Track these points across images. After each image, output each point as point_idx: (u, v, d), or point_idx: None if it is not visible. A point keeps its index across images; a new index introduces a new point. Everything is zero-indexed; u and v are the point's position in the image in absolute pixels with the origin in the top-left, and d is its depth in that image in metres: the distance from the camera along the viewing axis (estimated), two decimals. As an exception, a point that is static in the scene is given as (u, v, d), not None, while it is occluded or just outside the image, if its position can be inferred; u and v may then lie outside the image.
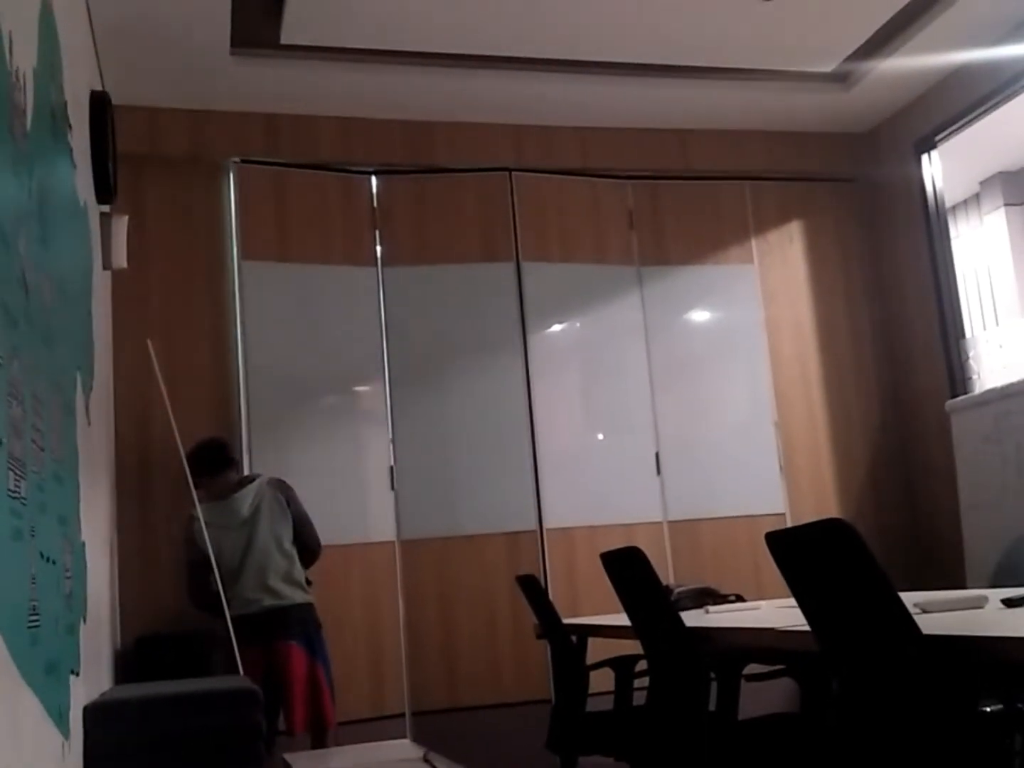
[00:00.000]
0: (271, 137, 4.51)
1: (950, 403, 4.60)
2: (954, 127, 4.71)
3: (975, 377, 4.64)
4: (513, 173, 4.81)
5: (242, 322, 4.37)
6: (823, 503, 4.92)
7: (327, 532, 3.93)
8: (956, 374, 4.72)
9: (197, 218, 4.43)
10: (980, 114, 4.60)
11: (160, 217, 4.37)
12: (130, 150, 4.31)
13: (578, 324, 4.86)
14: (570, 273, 4.83)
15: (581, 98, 4.57)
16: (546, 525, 4.58)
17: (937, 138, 4.79)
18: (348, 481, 4.41)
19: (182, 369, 4.25)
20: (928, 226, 4.85)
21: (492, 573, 4.47)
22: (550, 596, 4.24)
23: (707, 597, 3.47)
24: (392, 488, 4.44)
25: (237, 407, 4.32)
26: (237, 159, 4.48)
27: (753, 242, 5.08)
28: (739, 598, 3.54)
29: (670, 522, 4.73)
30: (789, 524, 4.74)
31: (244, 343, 4.36)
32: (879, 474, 5.02)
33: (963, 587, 4.32)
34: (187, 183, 4.44)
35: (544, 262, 4.81)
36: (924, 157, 4.87)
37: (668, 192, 5.01)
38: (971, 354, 4.64)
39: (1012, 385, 4.26)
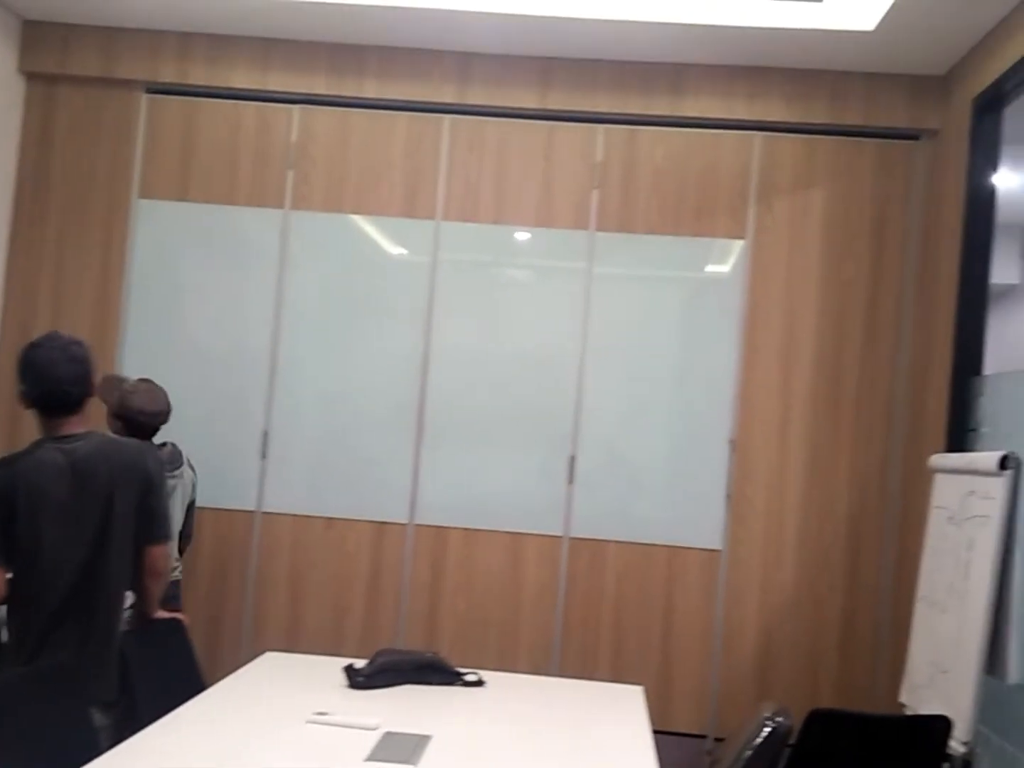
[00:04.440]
0: (183, 61, 4.16)
1: (935, 459, 3.47)
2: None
3: (981, 429, 3.44)
4: (451, 116, 4.14)
5: (133, 260, 4.17)
6: (774, 548, 3.98)
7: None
8: (959, 420, 3.54)
9: (104, 146, 4.20)
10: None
11: (68, 139, 4.21)
12: (43, 67, 4.20)
13: (500, 297, 4.15)
14: (501, 238, 4.12)
15: (542, 25, 3.77)
16: (417, 520, 4.07)
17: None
18: (220, 444, 4.14)
19: (69, 298, 4.18)
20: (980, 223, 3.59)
21: (350, 561, 4.07)
22: (407, 598, 3.83)
23: (428, 673, 2.87)
24: (263, 456, 4.12)
25: (115, 348, 4.15)
26: (146, 88, 4.19)
27: (751, 212, 4.05)
28: (478, 682, 2.89)
29: (572, 538, 4.04)
30: (724, 564, 3.95)
31: (130, 283, 4.16)
32: (863, 527, 3.96)
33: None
34: (97, 106, 4.22)
35: (471, 222, 4.13)
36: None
37: (650, 142, 4.09)
38: (983, 395, 3.43)
39: (980, 457, 3.10)
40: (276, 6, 3.81)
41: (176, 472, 3.58)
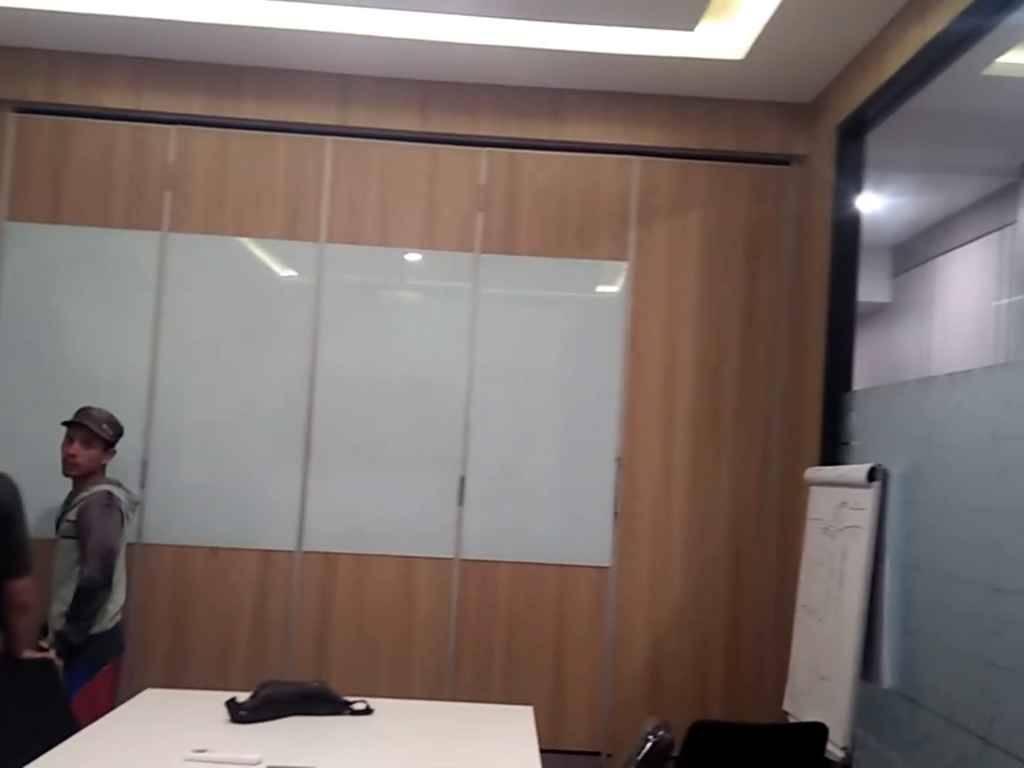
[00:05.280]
0: (54, 80, 4.03)
1: (809, 472, 3.59)
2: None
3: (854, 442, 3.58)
4: (332, 138, 4.12)
5: (3, 286, 4.01)
6: (661, 563, 4.05)
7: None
8: (832, 434, 3.67)
9: (-31, 166, 4.06)
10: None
11: (-70, 162, 4.05)
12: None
13: (387, 318, 4.14)
14: (386, 259, 4.11)
15: (423, 49, 3.77)
16: (305, 547, 4.01)
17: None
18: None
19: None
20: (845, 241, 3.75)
21: (235, 591, 3.97)
22: (295, 627, 3.74)
23: (314, 704, 2.82)
24: (141, 485, 4.00)
25: (-16, 378, 3.99)
26: (15, 107, 4.04)
27: (632, 234, 4.13)
28: (366, 710, 2.85)
29: (463, 560, 4.03)
30: (613, 581, 3.99)
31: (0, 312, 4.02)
32: (744, 539, 4.07)
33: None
34: (-39, 126, 4.07)
35: (356, 244, 4.11)
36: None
37: (531, 165, 4.14)
38: (854, 410, 3.57)
39: (851, 469, 3.22)
40: (151, 26, 3.73)
41: None
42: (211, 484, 4.01)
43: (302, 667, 3.97)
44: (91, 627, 3.36)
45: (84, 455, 3.52)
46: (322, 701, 2.83)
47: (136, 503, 3.68)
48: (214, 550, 3.98)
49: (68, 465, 3.52)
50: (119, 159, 4.09)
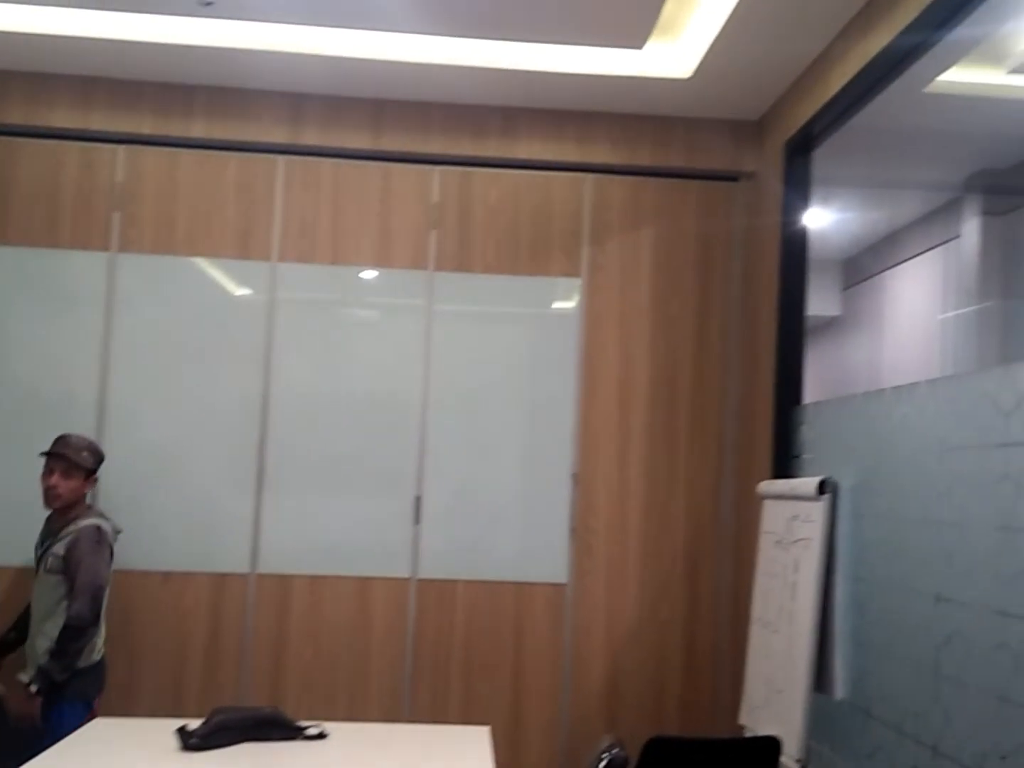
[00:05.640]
0: (0, 100, 3.99)
1: (762, 485, 3.62)
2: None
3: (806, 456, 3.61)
4: (284, 157, 4.10)
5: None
6: (617, 579, 4.05)
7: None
8: (783, 447, 3.71)
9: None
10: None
11: None
12: None
13: (341, 337, 4.12)
14: (341, 277, 4.09)
15: (374, 68, 3.77)
16: (259, 570, 3.96)
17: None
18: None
19: None
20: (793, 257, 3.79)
21: (188, 615, 3.92)
22: (250, 651, 3.68)
23: (267, 729, 2.78)
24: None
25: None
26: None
27: (584, 251, 4.15)
28: (320, 735, 2.82)
29: (420, 580, 4.01)
30: (570, 598, 3.99)
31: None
32: (700, 553, 4.09)
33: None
34: (-97, 146, 4.00)
35: (309, 263, 4.09)
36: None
37: (484, 183, 4.15)
38: (804, 423, 3.61)
39: (801, 482, 3.25)
40: (99, 45, 3.70)
41: None
42: (163, 507, 3.95)
43: (257, 692, 3.92)
44: (75, 664, 3.30)
45: (65, 486, 3.43)
46: (275, 727, 2.80)
47: (119, 532, 3.60)
48: (166, 575, 3.92)
49: (49, 497, 3.44)
50: (66, 179, 4.04)
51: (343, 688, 3.96)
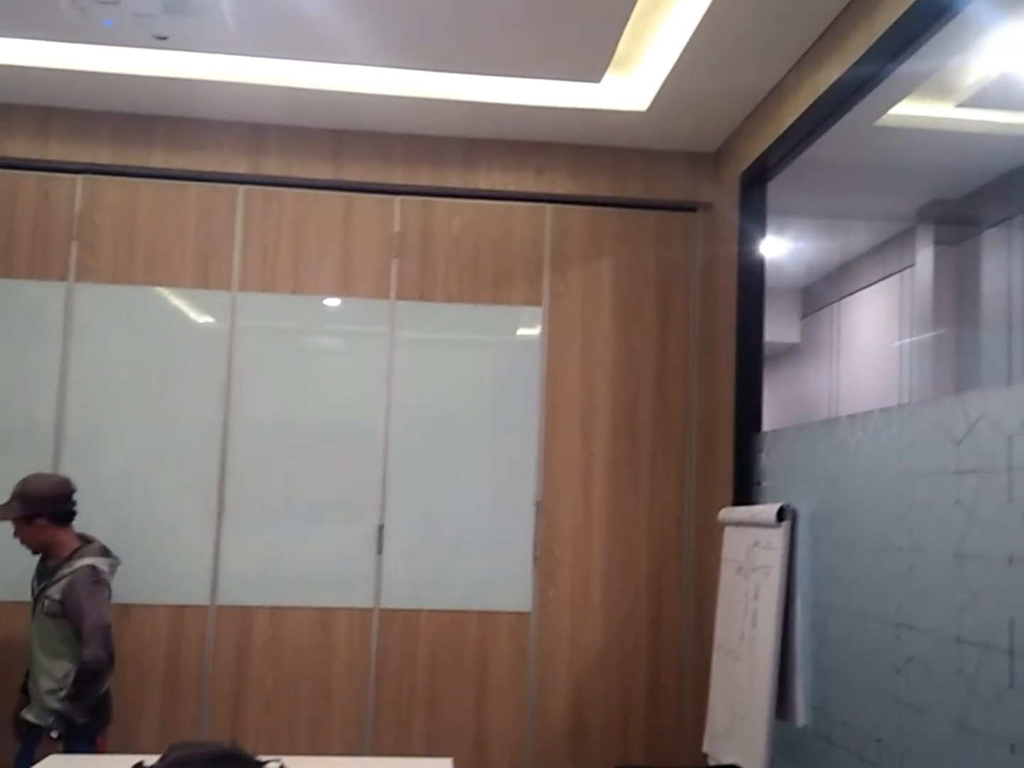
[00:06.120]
0: (-45, 127, 3.95)
1: (723, 512, 3.64)
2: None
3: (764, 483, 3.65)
4: (244, 186, 4.10)
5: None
6: (581, 607, 4.05)
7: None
8: (743, 474, 3.74)
9: None
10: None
11: None
12: None
13: (302, 366, 4.10)
14: (303, 306, 4.09)
15: (334, 99, 3.79)
16: (219, 601, 3.92)
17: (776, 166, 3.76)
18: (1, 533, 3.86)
19: None
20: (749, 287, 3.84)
21: (147, 649, 3.86)
22: (209, 684, 3.63)
23: (225, 765, 2.73)
24: (47, 542, 3.87)
25: None
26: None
27: (545, 279, 4.18)
28: None
29: (383, 610, 3.98)
30: (534, 626, 3.98)
31: None
32: (663, 580, 4.10)
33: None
34: None
35: (270, 292, 4.08)
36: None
37: (445, 212, 4.17)
38: (763, 450, 3.64)
39: (761, 509, 3.28)
40: (56, 75, 3.68)
41: None
42: (121, 538, 3.89)
43: (217, 726, 3.86)
44: (92, 705, 3.25)
45: (30, 534, 3.37)
46: (234, 762, 2.74)
47: (117, 564, 3.51)
48: (124, 607, 3.86)
49: (28, 548, 3.40)
50: (24, 209, 4.01)
51: (305, 721, 3.91)
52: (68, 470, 3.88)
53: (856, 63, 2.93)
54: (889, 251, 4.97)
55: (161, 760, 2.65)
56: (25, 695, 3.44)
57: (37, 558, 3.47)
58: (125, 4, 2.73)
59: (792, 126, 3.38)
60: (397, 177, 4.12)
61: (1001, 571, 2.10)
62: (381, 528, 4.01)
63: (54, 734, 3.17)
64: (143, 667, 3.85)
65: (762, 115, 3.67)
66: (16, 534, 3.37)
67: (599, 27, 3.22)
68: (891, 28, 2.71)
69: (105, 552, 3.47)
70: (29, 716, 3.30)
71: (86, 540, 3.47)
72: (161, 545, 3.91)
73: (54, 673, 3.29)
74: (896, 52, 2.79)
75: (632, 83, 3.73)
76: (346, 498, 4.01)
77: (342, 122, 4.03)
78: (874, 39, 2.81)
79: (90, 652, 3.21)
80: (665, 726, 4.05)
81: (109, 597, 3.39)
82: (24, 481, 3.41)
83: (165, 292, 4.03)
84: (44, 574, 3.42)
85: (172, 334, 4.02)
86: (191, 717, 3.86)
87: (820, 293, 5.95)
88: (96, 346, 3.99)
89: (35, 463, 3.86)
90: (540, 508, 4.08)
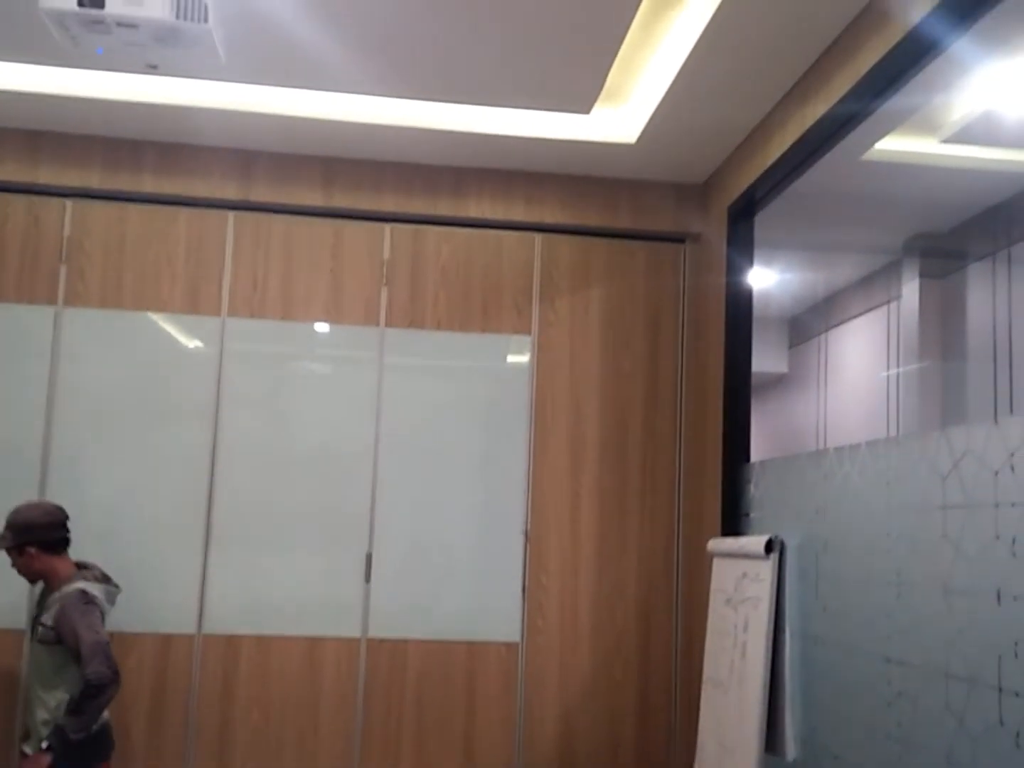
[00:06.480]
0: (-55, 152, 3.95)
1: (712, 543, 3.64)
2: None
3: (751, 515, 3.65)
4: (234, 212, 4.11)
5: None
6: (570, 637, 4.03)
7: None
8: (732, 505, 3.74)
9: None
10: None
11: None
12: None
13: (291, 393, 4.10)
14: (292, 332, 4.09)
15: (325, 127, 3.81)
16: (206, 630, 3.89)
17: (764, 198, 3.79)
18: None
19: None
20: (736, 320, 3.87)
21: (132, 678, 3.82)
22: (195, 714, 3.59)
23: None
24: (31, 569, 3.84)
25: None
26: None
27: (535, 308, 4.19)
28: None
29: (371, 639, 3.96)
30: (523, 656, 3.96)
31: None
32: (652, 610, 4.09)
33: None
34: None
35: (259, 318, 4.08)
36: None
37: (435, 240, 4.19)
38: (751, 481, 3.65)
39: (749, 541, 3.28)
40: (45, 100, 3.69)
41: None
42: (106, 565, 3.82)
43: (203, 756, 3.82)
44: (92, 725, 3.19)
45: (23, 564, 3.35)
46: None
47: (117, 592, 3.48)
48: (110, 635, 3.81)
49: (24, 577, 3.39)
50: (12, 232, 4.00)
51: (291, 751, 3.87)
52: (54, 496, 3.85)
53: (842, 99, 2.97)
54: (875, 283, 5.01)
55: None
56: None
57: (31, 585, 3.45)
58: (116, 34, 2.73)
59: (779, 160, 3.42)
60: (387, 205, 4.13)
61: (989, 607, 2.11)
62: (369, 556, 3.99)
63: (44, 744, 3.13)
64: (128, 697, 3.81)
65: (750, 148, 3.70)
66: (14, 566, 3.37)
67: (589, 60, 3.25)
68: (876, 66, 2.75)
69: (105, 579, 3.45)
70: (27, 748, 3.26)
71: (84, 567, 3.45)
72: (147, 573, 3.88)
73: (48, 703, 3.25)
74: (881, 89, 2.82)
75: (622, 115, 3.76)
76: (334, 526, 4.00)
77: (333, 150, 4.05)
78: (859, 76, 2.84)
79: (93, 669, 3.17)
80: (654, 758, 4.03)
81: (103, 619, 3.36)
82: (15, 510, 3.40)
83: (154, 317, 4.03)
84: (40, 601, 3.41)
85: (161, 359, 4.01)
86: (176, 747, 3.82)
87: (807, 324, 5.98)
88: (84, 371, 3.97)
89: (21, 488, 3.84)
90: (528, 537, 4.07)
